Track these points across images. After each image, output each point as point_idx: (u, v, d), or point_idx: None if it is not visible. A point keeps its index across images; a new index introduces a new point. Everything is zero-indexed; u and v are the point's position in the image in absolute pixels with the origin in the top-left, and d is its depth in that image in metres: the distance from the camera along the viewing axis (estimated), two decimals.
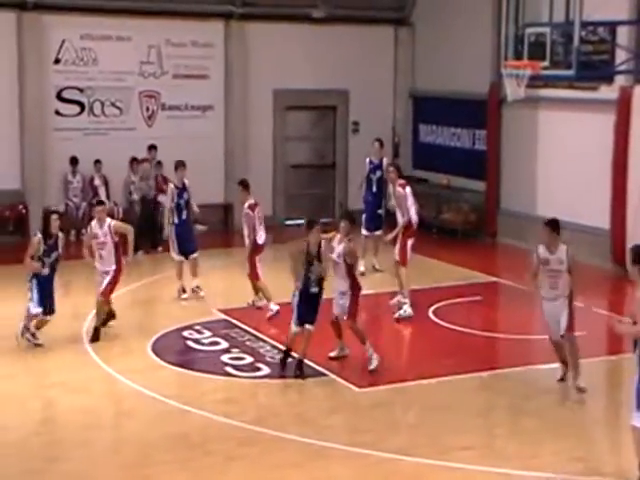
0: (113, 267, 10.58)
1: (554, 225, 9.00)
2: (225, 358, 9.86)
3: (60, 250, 10.27)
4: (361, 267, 12.69)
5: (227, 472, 7.32)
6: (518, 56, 15.08)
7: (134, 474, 7.23)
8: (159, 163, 16.65)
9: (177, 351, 10.24)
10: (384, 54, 18.19)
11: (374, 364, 9.50)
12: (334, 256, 9.55)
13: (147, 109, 16.89)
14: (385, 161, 14.08)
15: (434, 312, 11.69)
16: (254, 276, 11.51)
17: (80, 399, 8.75)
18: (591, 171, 14.22)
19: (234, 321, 11.12)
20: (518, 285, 11.26)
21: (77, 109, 16.39)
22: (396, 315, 11.45)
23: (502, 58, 15.33)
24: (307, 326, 9.40)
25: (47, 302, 10.13)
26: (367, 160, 14.32)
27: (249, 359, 9.84)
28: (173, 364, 9.74)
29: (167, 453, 7.60)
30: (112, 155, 16.12)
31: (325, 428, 8.09)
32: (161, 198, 16.26)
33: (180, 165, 12.89)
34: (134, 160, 16.38)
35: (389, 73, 18.32)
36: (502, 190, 16.38)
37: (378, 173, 14.01)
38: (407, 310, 11.44)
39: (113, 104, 16.58)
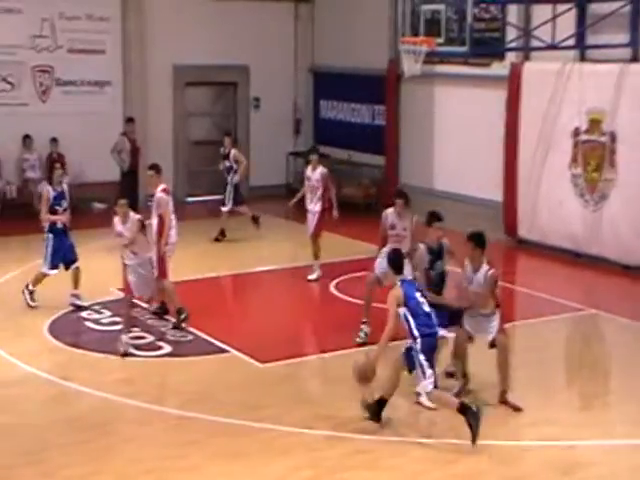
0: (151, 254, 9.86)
1: (478, 240, 8.16)
2: (125, 338, 9.74)
3: (68, 201, 10.81)
4: None
5: (126, 452, 7.26)
6: (415, 33, 15.35)
7: (29, 459, 7.09)
8: (54, 140, 16.26)
9: (75, 332, 10.08)
10: (284, 30, 18.16)
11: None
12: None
13: (41, 84, 16.41)
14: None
15: (336, 286, 11.85)
16: (163, 275, 10.21)
17: None
18: (484, 145, 14.61)
19: (134, 300, 10.98)
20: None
21: None
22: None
23: (399, 34, 15.59)
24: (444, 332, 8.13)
25: (58, 262, 10.70)
26: None
27: (150, 338, 9.77)
28: (71, 345, 9.59)
29: (63, 436, 7.49)
30: (3, 131, 15.62)
31: (226, 405, 8.11)
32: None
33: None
34: (27, 137, 15.93)
35: (289, 49, 18.31)
36: (401, 165, 16.65)
37: None
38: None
39: (4, 79, 16.04)
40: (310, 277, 12.08)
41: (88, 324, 10.29)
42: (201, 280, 12.25)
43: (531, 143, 13.74)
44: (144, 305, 10.43)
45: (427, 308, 7.69)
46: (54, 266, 10.79)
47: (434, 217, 8.66)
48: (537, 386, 8.65)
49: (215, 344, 9.63)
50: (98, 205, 13.17)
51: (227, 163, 14.61)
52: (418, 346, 7.52)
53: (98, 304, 10.86)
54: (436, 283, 8.59)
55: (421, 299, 7.71)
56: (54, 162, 11.13)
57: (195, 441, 7.39)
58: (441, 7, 15.47)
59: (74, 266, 10.84)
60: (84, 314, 10.58)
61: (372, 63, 16.58)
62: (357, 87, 17.33)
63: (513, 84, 13.90)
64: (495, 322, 8.23)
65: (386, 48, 16.40)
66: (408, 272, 8.46)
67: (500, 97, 14.04)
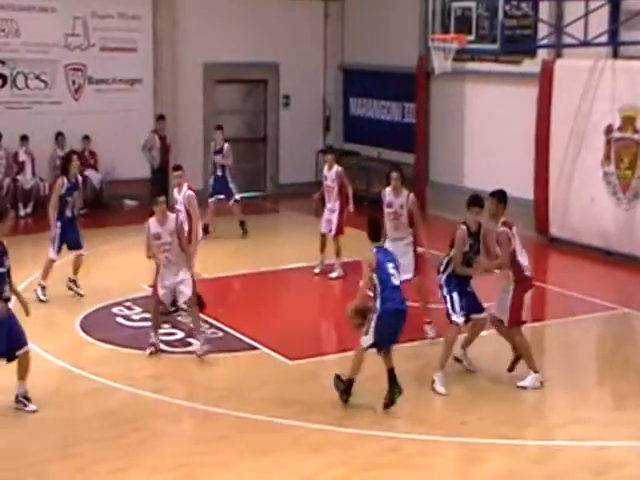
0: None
1: (502, 196, 8.51)
2: (153, 338, 9.78)
3: (80, 190, 11.04)
4: None
5: (157, 448, 7.32)
6: (445, 30, 15.27)
7: (62, 453, 7.16)
8: (86, 137, 16.40)
9: (106, 328, 10.13)
10: (314, 27, 18.16)
11: None
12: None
13: (73, 82, 16.55)
14: None
15: None
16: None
17: (4, 378, 8.60)
18: (515, 143, 14.50)
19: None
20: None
21: None
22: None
23: (429, 32, 15.51)
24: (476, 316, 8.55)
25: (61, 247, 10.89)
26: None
27: (180, 334, 9.82)
28: (102, 341, 9.65)
29: (95, 431, 7.55)
30: (37, 129, 15.79)
31: (255, 401, 8.13)
32: (88, 173, 16.06)
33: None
34: (59, 134, 16.09)
35: (319, 46, 18.30)
36: (430, 162, 16.58)
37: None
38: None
39: (37, 77, 16.20)
40: (332, 275, 12.07)
41: (119, 320, 10.36)
42: (230, 277, 12.30)
43: (563, 141, 13.62)
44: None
45: (396, 282, 7.84)
46: (59, 249, 10.98)
47: (473, 201, 8.55)
48: (569, 386, 8.57)
49: (245, 341, 9.66)
50: (129, 202, 13.28)
51: (220, 157, 14.42)
52: (376, 315, 7.73)
53: (129, 300, 10.94)
54: (469, 264, 8.53)
55: (392, 271, 7.84)
56: (72, 154, 11.18)
57: (225, 437, 7.43)
58: (472, 4, 15.36)
59: (78, 252, 11.05)
60: (115, 310, 10.66)
61: (402, 60, 16.52)
62: (387, 84, 17.29)
63: (545, 81, 13.79)
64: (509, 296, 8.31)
65: (416, 45, 16.34)
66: (408, 262, 9.19)
67: (531, 94, 13.93)
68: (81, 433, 7.55)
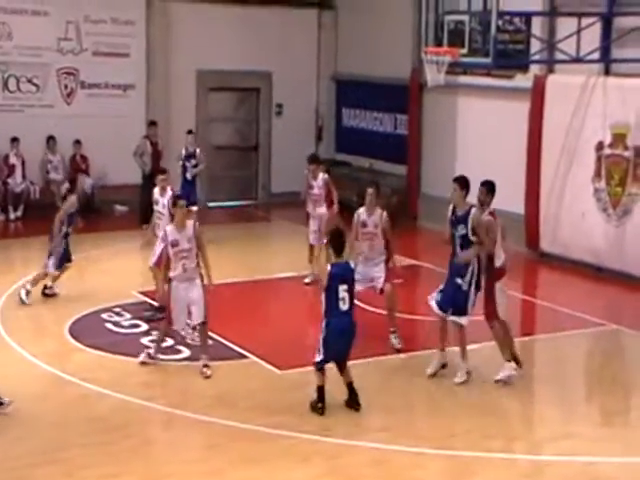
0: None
1: (491, 186, 8.83)
2: (145, 340, 9.79)
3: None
4: None
5: (147, 455, 7.30)
6: (438, 43, 15.32)
7: (50, 457, 7.13)
8: (78, 142, 16.38)
9: (95, 334, 10.09)
10: (307, 37, 18.21)
11: None
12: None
13: (65, 86, 16.54)
14: None
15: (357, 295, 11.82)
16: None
17: None
18: (507, 157, 14.56)
19: (154, 303, 11.03)
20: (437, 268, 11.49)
21: None
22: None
23: (423, 44, 15.56)
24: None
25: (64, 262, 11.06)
26: None
27: (169, 341, 9.79)
28: (91, 347, 9.62)
29: (85, 437, 7.52)
30: (28, 133, 15.76)
31: (245, 410, 8.12)
32: (81, 178, 16.00)
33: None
34: (51, 138, 16.05)
35: (312, 56, 18.36)
36: (422, 174, 16.64)
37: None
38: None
39: (29, 80, 16.18)
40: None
41: (108, 326, 10.33)
42: (220, 285, 12.22)
43: (554, 156, 13.69)
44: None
45: (345, 307, 7.91)
46: (60, 266, 11.06)
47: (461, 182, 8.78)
48: (558, 401, 8.60)
49: (234, 349, 9.65)
50: (120, 207, 13.27)
51: (193, 161, 14.40)
52: (323, 324, 7.97)
53: (119, 306, 10.91)
54: (458, 244, 8.68)
55: (342, 294, 7.91)
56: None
57: (215, 445, 7.42)
58: (465, 18, 15.41)
59: (69, 264, 11.25)
60: (104, 315, 10.62)
61: (395, 72, 16.59)
62: (379, 96, 17.34)
63: (536, 96, 13.87)
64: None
65: (409, 57, 16.41)
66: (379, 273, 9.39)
67: (523, 109, 14.00)
68: (70, 438, 7.51)
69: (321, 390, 8.07)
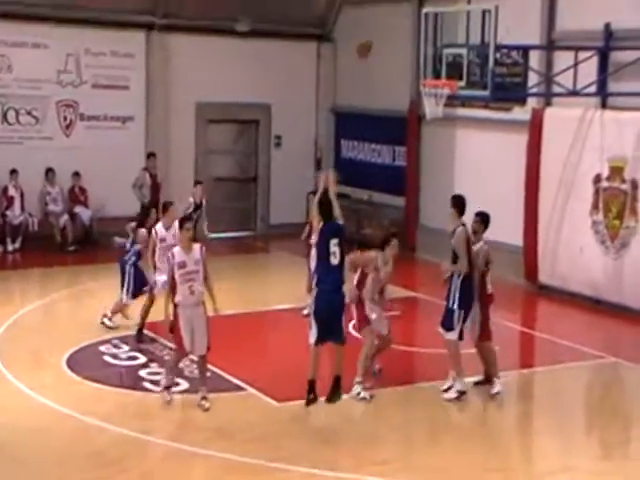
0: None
1: (484, 217, 9.43)
2: (143, 373, 9.76)
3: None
4: None
5: None
6: (436, 75, 15.45)
7: None
8: (77, 174, 16.43)
9: (93, 366, 10.06)
10: (306, 69, 18.36)
11: None
12: None
13: (65, 119, 16.61)
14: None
15: (353, 327, 11.79)
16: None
17: None
18: (505, 189, 14.62)
19: (153, 335, 11.01)
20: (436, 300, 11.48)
21: None
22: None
23: (421, 77, 15.68)
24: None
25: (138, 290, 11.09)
26: None
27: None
28: (89, 379, 9.57)
29: (82, 471, 7.46)
30: (27, 165, 15.81)
31: (243, 443, 8.07)
32: (78, 210, 16.07)
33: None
34: (50, 170, 16.11)
35: (311, 88, 18.49)
36: (421, 206, 16.69)
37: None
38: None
39: (29, 113, 16.25)
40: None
41: (106, 358, 10.29)
42: (218, 317, 12.22)
43: (552, 189, 13.74)
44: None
45: (335, 260, 8.24)
46: (135, 295, 11.18)
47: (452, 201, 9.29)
48: (556, 433, 8.56)
49: (232, 381, 9.61)
50: (119, 240, 13.23)
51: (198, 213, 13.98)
52: (313, 284, 8.37)
53: (116, 338, 10.88)
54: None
55: (333, 248, 8.21)
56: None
57: (213, 478, 7.37)
58: (463, 51, 15.55)
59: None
60: (102, 348, 10.59)
61: (393, 104, 16.70)
62: (378, 128, 17.44)
63: (534, 129, 13.95)
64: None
65: (407, 90, 16.53)
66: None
67: (521, 142, 14.08)
68: (67, 473, 7.44)
69: (312, 384, 8.39)
